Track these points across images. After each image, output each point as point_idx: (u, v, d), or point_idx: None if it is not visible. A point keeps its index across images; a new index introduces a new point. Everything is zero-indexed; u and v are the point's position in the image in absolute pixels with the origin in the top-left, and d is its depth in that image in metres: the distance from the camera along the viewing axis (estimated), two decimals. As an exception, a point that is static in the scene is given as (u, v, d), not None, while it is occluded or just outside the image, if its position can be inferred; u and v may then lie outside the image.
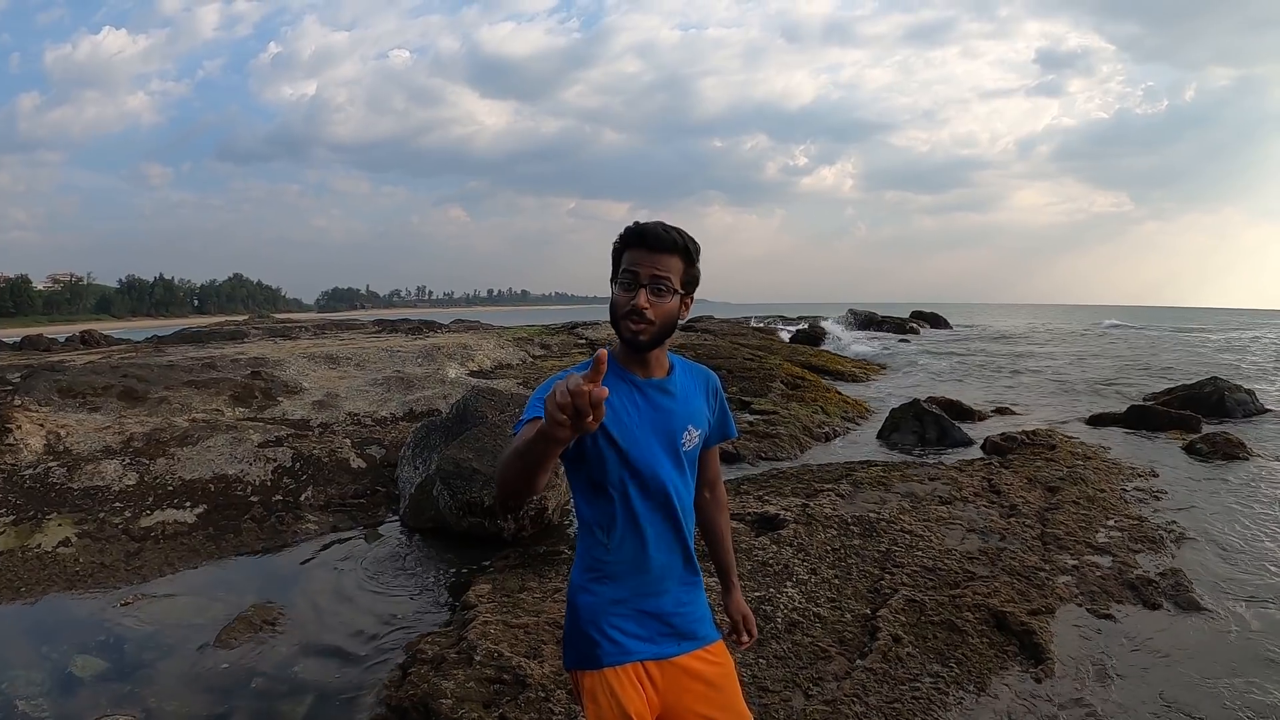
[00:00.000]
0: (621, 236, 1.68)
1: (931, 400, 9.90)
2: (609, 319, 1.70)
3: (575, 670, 1.72)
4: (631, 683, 1.66)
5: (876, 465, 6.99)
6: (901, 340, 25.84)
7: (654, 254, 1.64)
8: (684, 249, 1.66)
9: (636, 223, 1.67)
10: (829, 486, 5.98)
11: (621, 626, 1.68)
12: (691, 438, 1.75)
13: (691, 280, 1.70)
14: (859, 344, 22.61)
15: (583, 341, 16.90)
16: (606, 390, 1.20)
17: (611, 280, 1.70)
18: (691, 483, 1.79)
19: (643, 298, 1.62)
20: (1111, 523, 5.32)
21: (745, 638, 1.97)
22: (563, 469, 1.74)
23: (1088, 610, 4.03)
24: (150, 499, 5.86)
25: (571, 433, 1.22)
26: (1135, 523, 5.34)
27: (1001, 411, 11.07)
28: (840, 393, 11.66)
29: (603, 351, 1.26)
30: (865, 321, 31.01)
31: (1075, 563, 4.59)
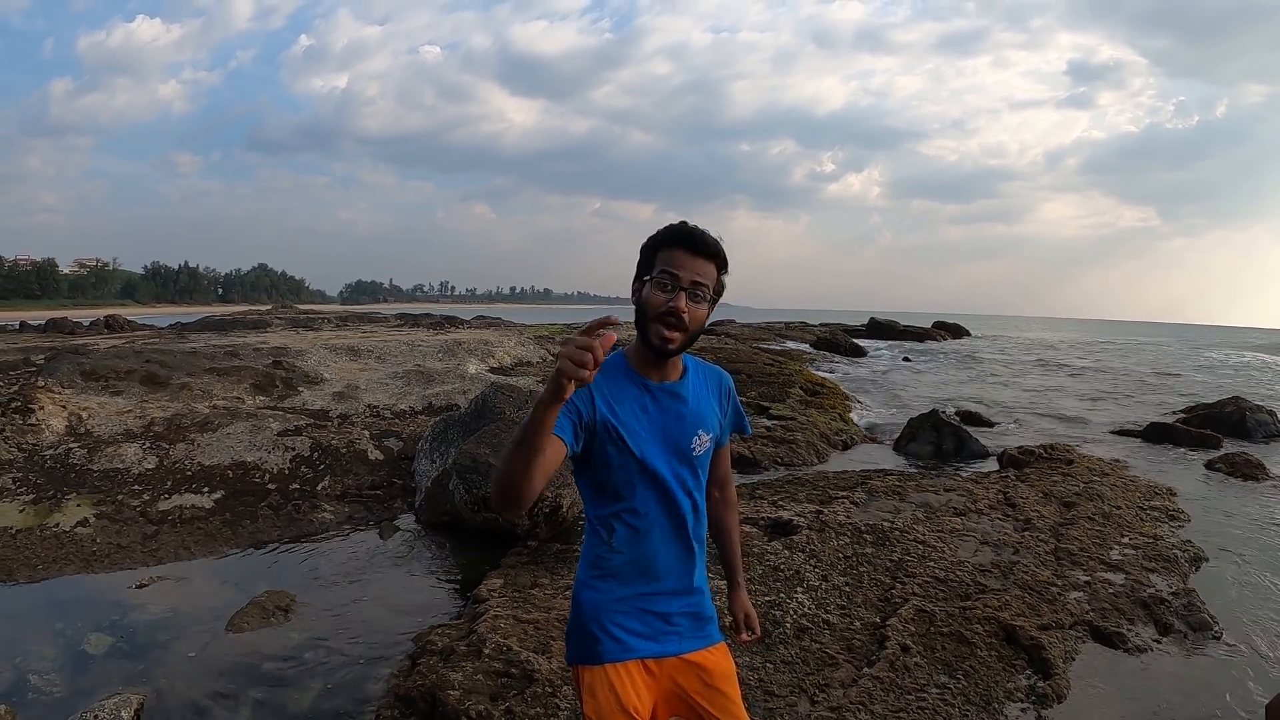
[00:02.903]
0: (661, 234, 1.64)
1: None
2: (634, 319, 1.67)
3: (576, 665, 1.72)
4: (631, 679, 1.66)
5: (892, 474, 6.96)
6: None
7: (697, 258, 1.61)
8: (722, 258, 1.64)
9: (683, 223, 1.63)
10: (843, 494, 5.96)
11: (624, 624, 1.68)
12: (702, 442, 1.73)
13: (721, 289, 1.67)
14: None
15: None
16: (614, 335, 1.26)
17: (638, 277, 1.65)
18: (703, 486, 1.77)
19: (682, 301, 1.58)
20: (1126, 540, 5.26)
21: (746, 634, 1.94)
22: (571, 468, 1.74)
23: (1099, 627, 3.99)
24: (169, 483, 5.93)
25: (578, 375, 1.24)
26: (1150, 541, 5.28)
27: (1017, 423, 11.01)
28: (860, 400, 11.61)
29: (610, 335, 1.27)
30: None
31: (1088, 579, 4.54)
